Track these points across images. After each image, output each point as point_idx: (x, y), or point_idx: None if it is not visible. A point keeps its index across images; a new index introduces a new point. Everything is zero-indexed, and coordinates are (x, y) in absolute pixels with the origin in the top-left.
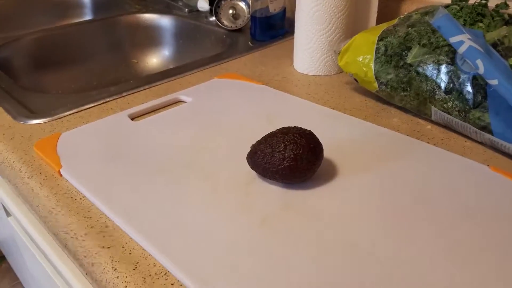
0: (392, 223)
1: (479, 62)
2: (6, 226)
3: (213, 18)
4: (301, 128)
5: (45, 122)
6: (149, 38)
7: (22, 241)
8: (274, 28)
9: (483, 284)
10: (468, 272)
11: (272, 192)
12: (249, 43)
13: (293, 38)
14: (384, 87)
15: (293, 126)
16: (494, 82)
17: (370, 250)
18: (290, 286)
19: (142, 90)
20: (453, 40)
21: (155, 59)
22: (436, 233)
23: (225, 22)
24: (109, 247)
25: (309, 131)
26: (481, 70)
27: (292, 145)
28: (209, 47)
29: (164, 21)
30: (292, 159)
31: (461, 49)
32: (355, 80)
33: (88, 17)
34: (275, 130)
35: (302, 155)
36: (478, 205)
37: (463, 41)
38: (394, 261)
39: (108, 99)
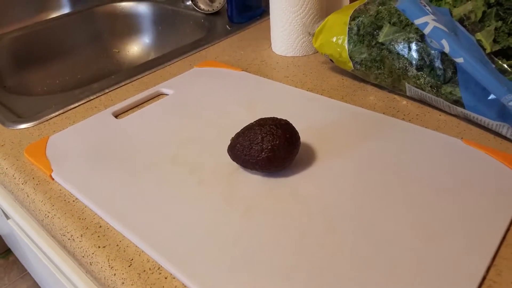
0: (368, 202)
1: (444, 42)
2: (6, 226)
3: (189, 2)
4: (277, 118)
5: (32, 126)
6: (128, 26)
7: (23, 241)
8: (250, 9)
9: (450, 257)
10: (436, 247)
11: (254, 181)
12: (227, 26)
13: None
14: (358, 66)
15: (270, 116)
16: (460, 60)
17: (349, 231)
18: (275, 272)
19: (124, 85)
20: (417, 22)
21: (136, 48)
22: (412, 209)
23: (202, 6)
24: (104, 246)
25: (285, 121)
26: (447, 49)
27: (269, 137)
28: (188, 32)
29: (141, 8)
30: (269, 150)
31: (426, 30)
32: (331, 60)
33: (65, 8)
34: (252, 122)
35: (279, 145)
36: (451, 179)
37: (427, 22)
38: (372, 239)
39: (92, 97)
